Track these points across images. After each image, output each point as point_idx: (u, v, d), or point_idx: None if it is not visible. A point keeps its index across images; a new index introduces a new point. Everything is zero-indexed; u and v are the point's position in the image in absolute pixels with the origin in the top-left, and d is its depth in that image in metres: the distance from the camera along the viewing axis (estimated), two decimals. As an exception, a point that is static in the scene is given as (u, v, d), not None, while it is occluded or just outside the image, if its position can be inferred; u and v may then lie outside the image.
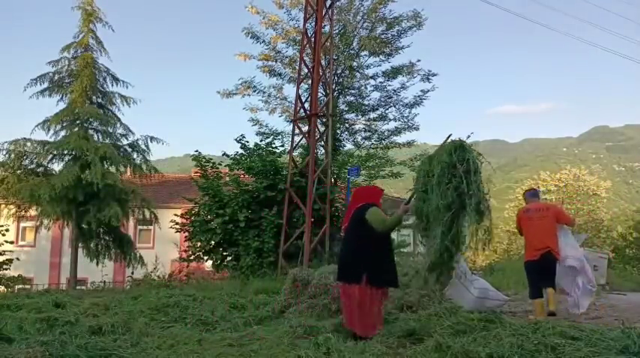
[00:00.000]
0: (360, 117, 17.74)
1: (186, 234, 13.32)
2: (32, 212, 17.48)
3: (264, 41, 16.98)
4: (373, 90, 17.56)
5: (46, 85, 17.24)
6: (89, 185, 15.64)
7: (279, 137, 16.84)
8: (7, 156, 16.33)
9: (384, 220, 4.62)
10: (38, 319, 5.33)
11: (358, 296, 4.54)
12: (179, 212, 14.15)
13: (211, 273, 13.53)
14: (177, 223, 13.75)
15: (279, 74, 17.39)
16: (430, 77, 17.12)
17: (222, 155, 13.87)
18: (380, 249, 4.67)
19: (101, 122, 17.22)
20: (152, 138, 17.92)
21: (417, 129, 17.51)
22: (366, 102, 17.48)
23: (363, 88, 17.53)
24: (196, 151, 13.64)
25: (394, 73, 17.18)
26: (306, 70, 13.30)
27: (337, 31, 16.17)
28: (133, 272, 15.75)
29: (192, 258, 12.98)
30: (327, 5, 12.71)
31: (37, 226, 18.18)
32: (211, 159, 13.58)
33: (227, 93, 17.77)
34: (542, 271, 5.84)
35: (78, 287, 14.71)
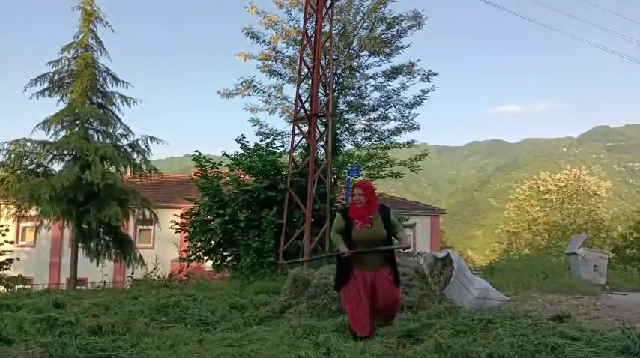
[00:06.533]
0: (360, 117, 17.72)
1: (186, 234, 13.32)
2: (32, 212, 17.45)
3: (264, 41, 16.96)
4: (373, 90, 17.55)
5: (46, 85, 17.21)
6: (89, 185, 15.65)
7: (279, 137, 16.83)
8: (7, 156, 16.31)
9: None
10: (38, 319, 5.32)
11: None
12: (179, 212, 14.15)
13: (211, 273, 13.53)
14: (177, 223, 13.74)
15: (279, 74, 17.37)
16: (430, 77, 17.12)
17: (222, 155, 13.86)
18: None
19: (101, 122, 17.21)
20: (152, 138, 17.91)
21: (417, 129, 17.51)
22: (366, 102, 17.46)
23: (363, 87, 17.52)
24: (196, 151, 13.65)
25: (394, 73, 17.17)
26: (306, 70, 13.29)
27: (337, 31, 16.15)
28: (133, 273, 15.73)
29: (192, 258, 12.97)
30: (327, 5, 12.69)
31: (37, 226, 18.18)
32: (211, 159, 13.57)
33: (227, 93, 17.74)
34: None
35: (78, 287, 14.71)
